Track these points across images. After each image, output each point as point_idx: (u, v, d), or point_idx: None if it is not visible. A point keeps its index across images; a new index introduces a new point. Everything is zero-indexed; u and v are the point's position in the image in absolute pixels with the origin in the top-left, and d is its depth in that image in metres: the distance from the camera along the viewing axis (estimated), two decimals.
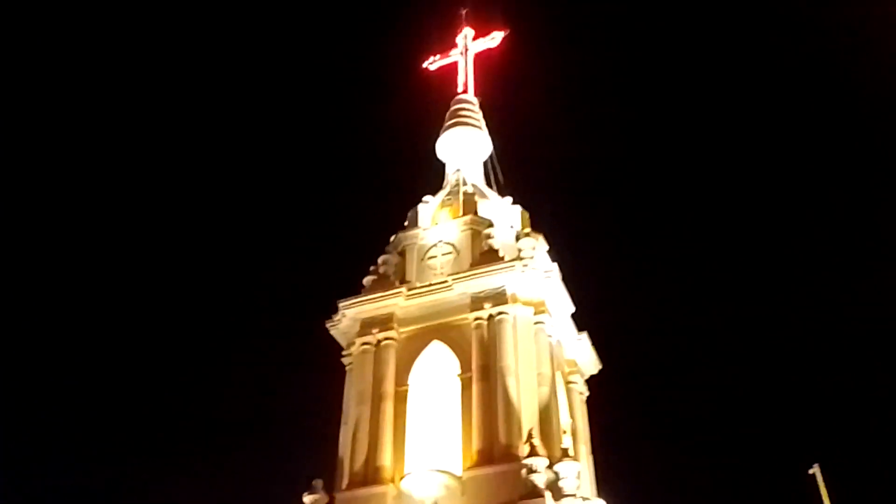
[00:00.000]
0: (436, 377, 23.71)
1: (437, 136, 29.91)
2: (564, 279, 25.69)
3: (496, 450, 21.10)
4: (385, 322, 24.06)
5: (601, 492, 22.93)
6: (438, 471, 21.12)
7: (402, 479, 21.43)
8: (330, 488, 22.00)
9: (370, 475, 21.65)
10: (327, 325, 25.05)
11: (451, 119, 30.03)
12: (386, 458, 21.94)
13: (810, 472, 19.97)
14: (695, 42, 49.11)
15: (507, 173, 29.46)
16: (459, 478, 21.03)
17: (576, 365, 25.70)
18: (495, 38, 32.27)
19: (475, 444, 21.42)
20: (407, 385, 23.34)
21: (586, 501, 20.89)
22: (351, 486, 21.82)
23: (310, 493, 21.75)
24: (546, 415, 22.09)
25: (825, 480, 19.33)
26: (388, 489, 21.24)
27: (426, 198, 27.92)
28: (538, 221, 27.13)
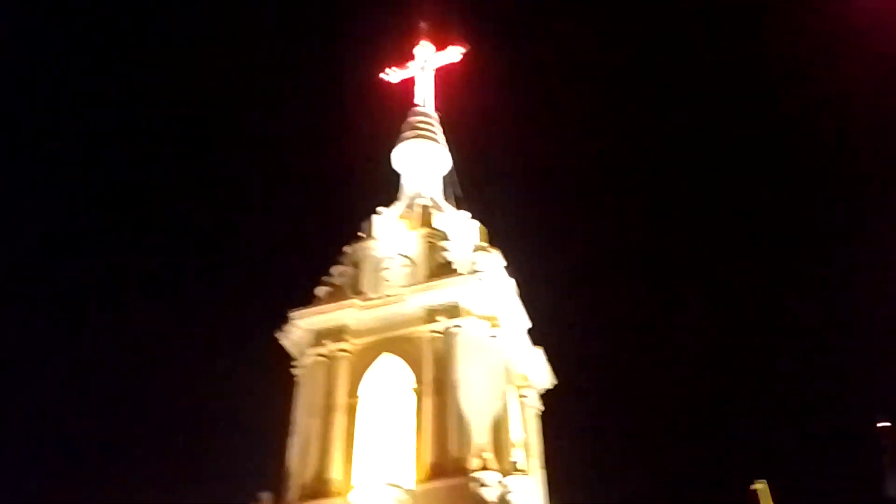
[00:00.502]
0: (388, 389, 23.53)
1: (394, 147, 29.84)
2: (521, 295, 25.79)
3: (448, 463, 20.98)
4: (338, 333, 23.82)
5: None
6: (389, 484, 20.90)
7: (351, 492, 21.15)
8: (278, 501, 21.61)
9: (319, 488, 21.35)
10: (277, 336, 24.72)
11: (408, 131, 29.99)
12: (335, 470, 21.67)
13: (752, 487, 20.24)
14: (652, 59, 49.84)
15: (466, 188, 29.49)
16: (411, 491, 20.84)
17: (529, 379, 25.70)
18: (455, 54, 32.38)
19: (427, 457, 21.29)
20: (358, 397, 23.12)
21: None
22: (300, 498, 21.49)
23: None
24: (498, 429, 22.05)
25: (771, 495, 19.59)
26: (338, 502, 20.95)
27: (381, 209, 27.78)
28: (496, 237, 27.21)
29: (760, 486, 20.24)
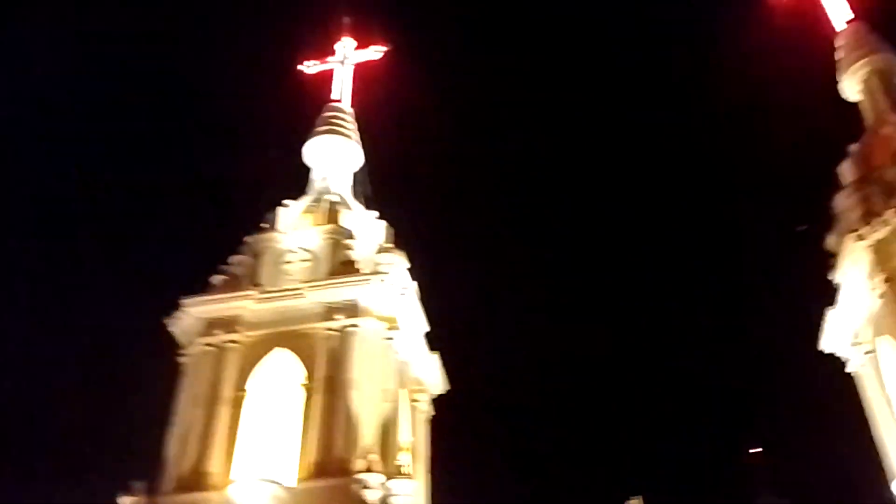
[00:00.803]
0: (278, 385, 23.11)
1: (306, 141, 29.47)
2: (422, 299, 25.75)
3: (332, 463, 20.76)
4: (230, 324, 23.31)
5: None
6: (268, 480, 20.53)
7: (229, 486, 20.68)
8: (153, 492, 20.97)
9: (196, 480, 20.82)
10: (166, 322, 24.03)
11: (322, 125, 29.66)
12: (215, 463, 21.16)
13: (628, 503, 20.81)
14: (565, 65, 50.62)
15: (376, 188, 29.32)
16: (290, 489, 20.53)
17: (423, 384, 25.70)
18: (377, 52, 32.24)
19: (311, 456, 21.01)
20: (245, 390, 22.65)
21: None
22: (175, 490, 20.90)
23: (127, 495, 20.65)
24: (386, 431, 21.96)
25: None
26: (214, 496, 20.47)
27: (288, 202, 27.36)
28: (402, 239, 27.08)
29: (635, 503, 20.77)
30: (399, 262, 25.47)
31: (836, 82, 27.95)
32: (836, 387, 24.75)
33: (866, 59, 27.13)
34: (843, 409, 24.27)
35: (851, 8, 29.03)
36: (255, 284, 24.40)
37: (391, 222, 27.46)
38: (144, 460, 22.16)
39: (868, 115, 26.64)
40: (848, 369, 24.04)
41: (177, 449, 21.64)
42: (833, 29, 28.89)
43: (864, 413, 23.02)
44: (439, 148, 44.35)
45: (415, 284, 25.62)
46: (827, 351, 24.66)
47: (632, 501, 20.57)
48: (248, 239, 26.03)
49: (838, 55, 28.19)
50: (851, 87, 27.45)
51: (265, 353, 23.14)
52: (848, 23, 28.69)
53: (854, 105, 27.44)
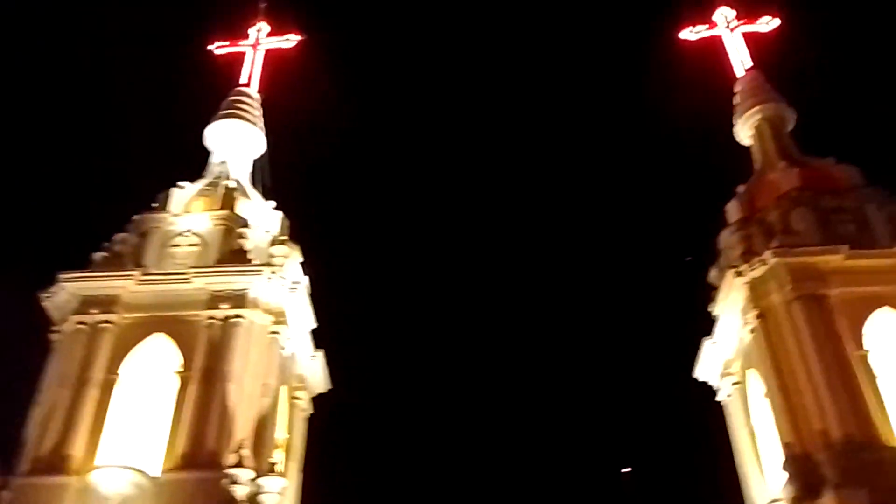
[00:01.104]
0: (152, 371, 22.31)
1: (209, 123, 28.67)
2: (313, 295, 25.36)
3: (202, 455, 20.16)
4: (108, 303, 22.39)
5: None
6: (131, 468, 19.77)
7: (92, 472, 19.79)
8: (7, 472, 19.84)
9: (56, 463, 19.87)
10: (41, 297, 22.85)
11: (225, 109, 28.91)
12: (78, 447, 20.25)
13: None
14: (479, 64, 50.98)
15: (276, 178, 28.77)
16: (155, 479, 19.82)
17: (305, 381, 25.33)
18: (290, 41, 31.70)
19: (181, 446, 20.35)
20: (118, 374, 21.77)
21: None
22: (32, 472, 19.90)
23: None
24: (262, 427, 21.47)
25: None
26: (73, 481, 19.57)
27: (183, 183, 26.51)
28: (298, 232, 26.62)
29: None
30: (292, 256, 25.01)
31: (733, 125, 29.18)
32: (708, 414, 25.74)
33: (759, 107, 28.41)
34: (714, 435, 25.20)
35: (751, 57, 30.41)
36: (138, 265, 23.51)
37: (288, 214, 26.99)
38: (6, 439, 20.99)
39: (757, 159, 27.89)
40: (718, 398, 25.08)
41: (38, 430, 20.60)
42: (734, 74, 30.19)
43: (730, 441, 24.05)
44: (344, 144, 43.90)
45: (306, 280, 25.24)
46: (701, 379, 25.66)
47: None
48: (135, 217, 25.06)
49: (736, 100, 29.46)
50: (744, 131, 28.70)
51: (142, 337, 22.31)
52: (746, 70, 30.03)
53: (747, 148, 28.71)
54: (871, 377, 20.59)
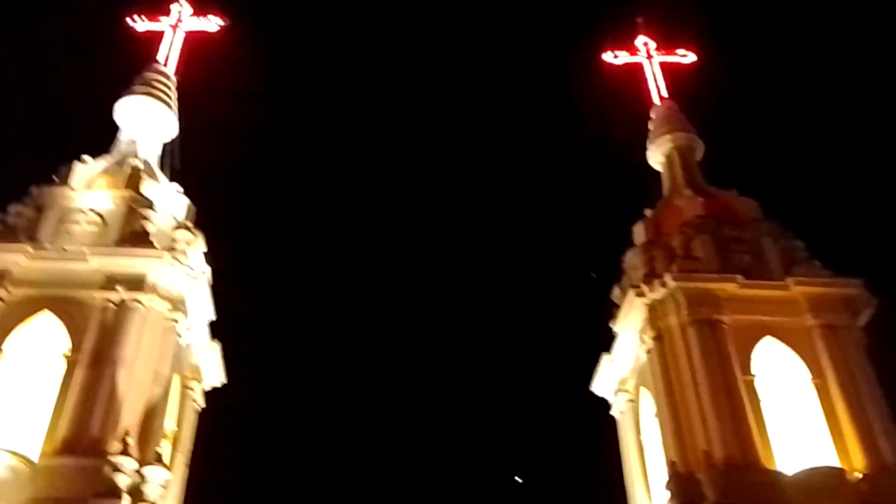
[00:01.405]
0: (39, 351, 21.34)
1: (120, 99, 27.70)
2: (213, 286, 24.74)
3: (84, 441, 19.37)
4: None
5: None
6: (8, 451, 18.82)
7: None
8: None
9: None
10: None
11: (139, 85, 27.98)
12: None
13: None
14: (402, 61, 50.91)
15: (186, 162, 28.00)
16: (33, 464, 18.93)
17: (199, 373, 24.68)
18: (213, 24, 30.99)
19: (63, 431, 19.52)
20: (1, 350, 20.74)
21: None
22: None
23: None
24: (150, 416, 20.79)
25: None
26: None
27: (88, 158, 25.51)
28: (204, 221, 25.94)
29: None
30: (196, 244, 24.36)
31: (646, 150, 30.04)
32: (602, 428, 26.26)
33: (671, 136, 29.33)
34: (606, 449, 25.71)
35: (668, 87, 31.42)
36: (32, 239, 22.48)
37: (195, 202, 26.28)
38: None
39: (666, 185, 28.77)
40: (612, 413, 25.66)
41: None
42: (651, 101, 31.10)
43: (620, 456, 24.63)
44: (258, 137, 43.14)
45: (208, 270, 24.61)
46: (597, 393, 26.20)
47: None
48: (33, 190, 23.98)
49: (650, 126, 30.35)
50: (656, 157, 29.58)
51: (30, 314, 21.33)
52: (662, 99, 30.99)
53: (658, 172, 29.58)
54: (756, 402, 21.42)
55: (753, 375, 21.90)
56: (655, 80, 31.63)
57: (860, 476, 20.04)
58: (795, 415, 21.84)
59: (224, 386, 25.95)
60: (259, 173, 44.15)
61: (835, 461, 20.57)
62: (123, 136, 27.30)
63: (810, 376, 22.06)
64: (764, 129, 44.48)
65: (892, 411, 21.30)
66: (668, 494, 20.30)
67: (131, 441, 19.47)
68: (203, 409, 24.86)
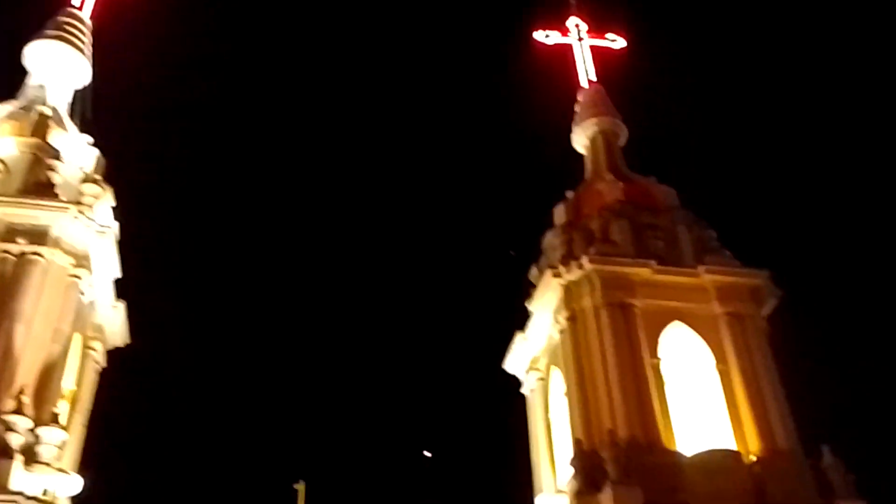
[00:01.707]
0: None
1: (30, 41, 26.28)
2: (121, 243, 23.84)
3: None
4: None
5: (85, 467, 21.22)
6: None
7: None
8: None
9: None
10: None
11: (51, 28, 26.59)
12: None
13: (295, 486, 20.77)
14: (335, 27, 50.05)
15: (98, 113, 26.81)
16: None
17: (102, 332, 23.81)
18: None
19: None
20: None
21: (62, 473, 19.15)
22: None
23: None
24: (47, 374, 20.02)
25: (307, 496, 20.23)
26: None
27: None
28: (114, 176, 24.88)
29: (300, 487, 20.76)
30: (104, 198, 23.41)
31: (571, 132, 30.21)
32: (513, 405, 26.50)
33: (596, 120, 29.57)
34: (517, 426, 25.98)
35: (597, 70, 31.63)
36: None
37: (106, 154, 25.18)
38: None
39: (588, 167, 29.04)
40: (523, 391, 25.91)
41: None
42: (579, 83, 31.27)
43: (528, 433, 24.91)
44: (175, 91, 41.71)
45: (116, 226, 23.70)
46: (509, 370, 26.40)
47: (297, 486, 20.53)
48: None
49: (577, 108, 30.51)
50: (580, 139, 29.79)
51: None
52: (590, 82, 31.19)
53: (581, 155, 29.81)
54: (661, 384, 21.93)
55: (660, 359, 22.40)
56: (584, 63, 31.81)
57: (755, 459, 20.79)
58: (698, 398, 22.47)
59: (128, 346, 25.12)
60: (174, 129, 42.80)
61: (732, 444, 21.28)
62: (32, 81, 25.96)
63: (714, 362, 22.71)
64: (686, 118, 45.46)
65: (789, 399, 22.16)
66: (571, 471, 20.65)
67: (26, 399, 18.78)
68: (104, 369, 24.03)
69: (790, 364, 23.06)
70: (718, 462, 20.56)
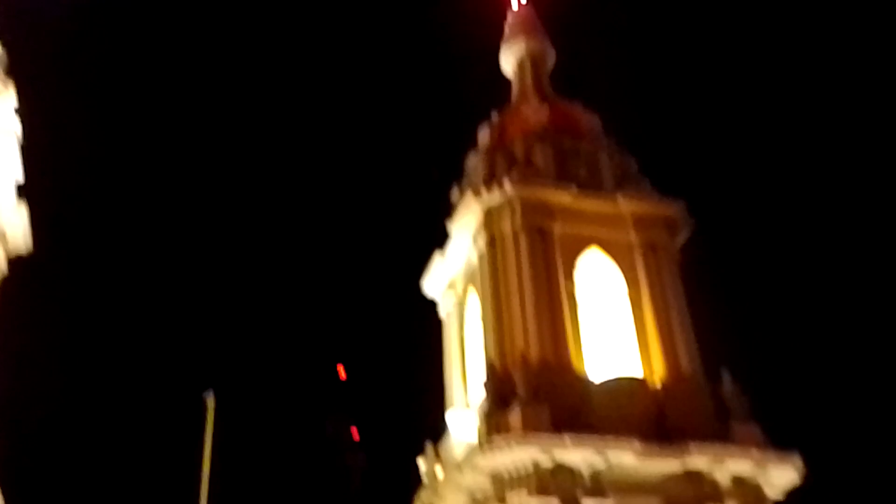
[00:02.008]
0: None
1: None
2: (25, 146, 22.50)
3: None
4: None
5: None
6: None
7: None
8: None
9: None
10: None
11: None
12: None
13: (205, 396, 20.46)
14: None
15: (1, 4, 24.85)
16: None
17: (3, 237, 22.62)
18: None
19: None
20: None
21: None
22: None
23: None
24: None
25: (216, 407, 19.98)
26: None
27: None
28: (18, 71, 23.27)
29: (209, 399, 20.46)
30: (5, 95, 21.95)
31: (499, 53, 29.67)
32: (430, 323, 26.60)
33: (524, 42, 29.09)
34: (432, 344, 26.14)
35: None
36: None
37: (9, 49, 23.51)
38: None
39: (515, 91, 28.70)
40: (439, 310, 26.00)
41: None
42: (509, 5, 30.58)
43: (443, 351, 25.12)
44: None
45: (19, 126, 22.32)
46: (427, 290, 26.37)
47: (207, 397, 20.25)
48: None
49: (506, 31, 29.92)
50: (508, 61, 29.33)
51: None
52: (520, 5, 30.53)
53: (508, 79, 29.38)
54: (575, 309, 22.30)
55: (575, 283, 22.71)
56: None
57: (659, 386, 21.48)
58: (610, 324, 22.97)
59: (31, 254, 24.03)
60: (84, 24, 40.43)
61: (639, 370, 21.91)
62: None
63: (627, 289, 23.16)
64: (616, 45, 45.35)
65: (696, 328, 22.84)
66: (483, 392, 20.96)
67: None
68: (6, 277, 22.97)
69: (698, 292, 23.73)
70: (625, 389, 21.20)
